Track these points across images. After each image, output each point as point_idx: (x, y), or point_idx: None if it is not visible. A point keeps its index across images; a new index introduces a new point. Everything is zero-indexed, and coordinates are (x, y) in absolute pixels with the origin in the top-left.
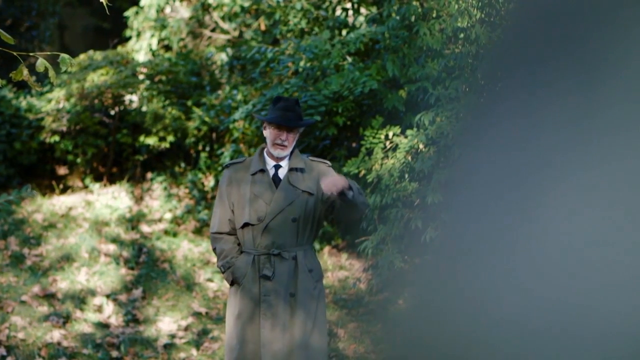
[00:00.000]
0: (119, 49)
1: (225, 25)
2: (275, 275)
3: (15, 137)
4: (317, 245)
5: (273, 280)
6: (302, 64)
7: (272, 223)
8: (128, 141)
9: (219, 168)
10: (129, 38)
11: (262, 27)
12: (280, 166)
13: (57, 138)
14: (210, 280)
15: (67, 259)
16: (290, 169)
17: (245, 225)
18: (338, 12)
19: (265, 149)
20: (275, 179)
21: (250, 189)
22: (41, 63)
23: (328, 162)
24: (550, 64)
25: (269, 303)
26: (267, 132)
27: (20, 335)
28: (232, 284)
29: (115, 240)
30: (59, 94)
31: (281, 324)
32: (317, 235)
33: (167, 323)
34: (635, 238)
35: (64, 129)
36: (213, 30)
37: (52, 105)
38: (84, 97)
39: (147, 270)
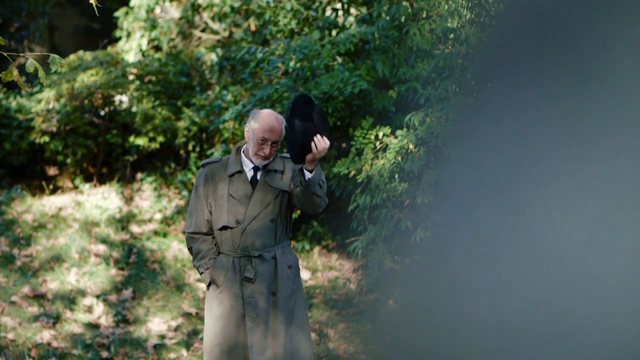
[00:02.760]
0: (109, 49)
1: (215, 26)
2: (257, 276)
3: (5, 138)
4: (307, 246)
5: (255, 281)
6: (292, 64)
7: (250, 225)
8: (118, 141)
9: None
10: (119, 38)
11: (252, 28)
12: (258, 168)
13: (47, 138)
14: (200, 280)
15: (57, 259)
16: (268, 170)
17: (224, 227)
18: (328, 12)
19: (243, 149)
20: (253, 181)
21: (227, 190)
22: (31, 63)
23: None
24: (540, 65)
25: (253, 305)
26: (252, 139)
27: (10, 335)
28: (209, 285)
29: (105, 240)
30: (48, 94)
31: (266, 324)
32: (291, 229)
33: (157, 323)
34: (626, 240)
35: (54, 129)
36: (203, 30)
37: (42, 105)
38: (74, 97)
39: (137, 270)
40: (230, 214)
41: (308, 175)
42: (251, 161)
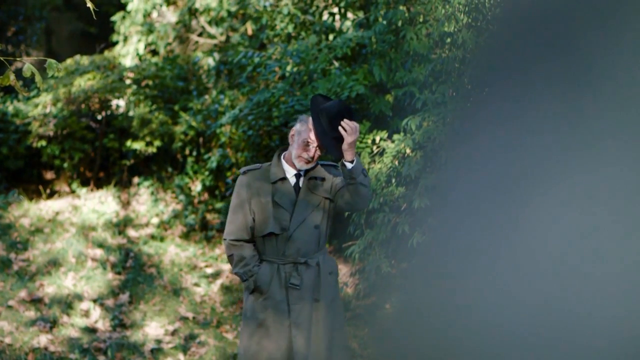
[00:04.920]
0: (106, 53)
1: (212, 30)
2: (302, 282)
3: (2, 142)
4: None
5: (300, 288)
6: (289, 68)
7: (296, 232)
8: (115, 146)
9: (206, 173)
10: (116, 43)
11: (249, 32)
12: (300, 175)
13: (44, 143)
14: (197, 285)
15: (54, 263)
16: (310, 177)
17: (269, 234)
18: (325, 16)
19: (284, 155)
20: (295, 187)
21: (271, 197)
22: (28, 68)
23: (337, 164)
24: (536, 69)
25: (298, 311)
26: (296, 141)
27: (7, 340)
28: (252, 292)
29: (102, 245)
30: (45, 98)
31: (309, 331)
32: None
33: (154, 328)
34: (622, 244)
35: (51, 133)
36: (200, 34)
37: (39, 110)
38: (71, 101)
39: (134, 275)
40: (276, 220)
41: (349, 165)
42: (293, 167)
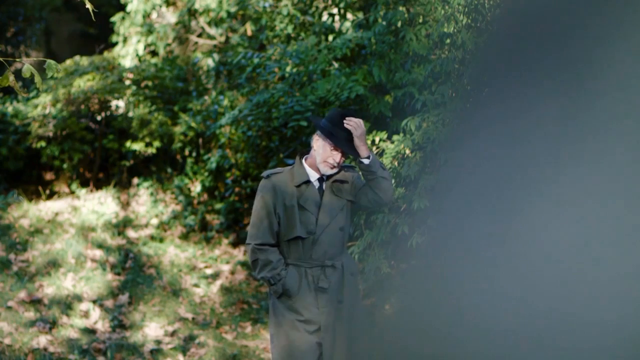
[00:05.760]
0: (105, 54)
1: (212, 31)
2: (329, 285)
3: (2, 143)
4: None
5: (328, 291)
6: (288, 69)
7: (322, 235)
8: (114, 147)
9: (206, 173)
10: (116, 43)
11: (249, 33)
12: (323, 178)
13: (43, 143)
14: (196, 285)
15: (54, 264)
16: (333, 180)
17: (295, 238)
18: (324, 17)
19: (307, 158)
20: (320, 190)
21: (296, 201)
22: (27, 69)
23: (354, 166)
24: (536, 70)
25: (327, 314)
26: (320, 146)
27: (7, 341)
28: (280, 296)
29: (101, 245)
30: (45, 99)
31: (334, 332)
32: None
33: (153, 329)
34: (622, 244)
35: (51, 134)
36: (199, 35)
37: (39, 110)
38: (70, 102)
39: (133, 275)
40: (302, 224)
41: (366, 161)
42: (316, 171)
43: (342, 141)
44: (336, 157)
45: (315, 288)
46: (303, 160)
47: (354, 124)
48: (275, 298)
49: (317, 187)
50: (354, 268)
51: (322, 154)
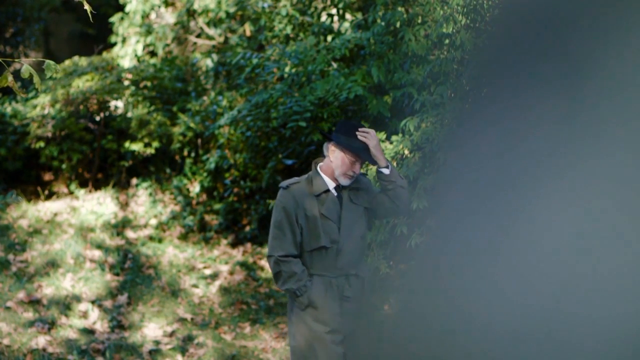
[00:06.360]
0: (104, 54)
1: (211, 31)
2: (353, 294)
3: (1, 143)
4: None
5: (351, 299)
6: (287, 69)
7: (346, 244)
8: (113, 147)
9: (204, 174)
10: (114, 44)
11: (248, 33)
12: (339, 186)
13: (42, 144)
14: (195, 286)
15: (53, 264)
16: (351, 188)
17: (319, 248)
18: (323, 17)
19: (321, 166)
20: (339, 199)
21: (318, 210)
22: (26, 69)
23: (365, 172)
24: (534, 70)
25: (350, 322)
26: (339, 158)
27: (5, 341)
28: (306, 306)
29: (100, 246)
30: (44, 100)
31: (359, 341)
32: None
33: (152, 329)
34: (620, 243)
35: (49, 134)
36: (198, 36)
37: (38, 111)
38: (69, 103)
39: (132, 276)
40: (325, 234)
41: (386, 171)
42: (332, 179)
43: (363, 152)
44: (356, 168)
45: (340, 297)
46: (318, 169)
47: (368, 135)
48: (300, 310)
49: (335, 195)
50: (366, 273)
51: (342, 167)
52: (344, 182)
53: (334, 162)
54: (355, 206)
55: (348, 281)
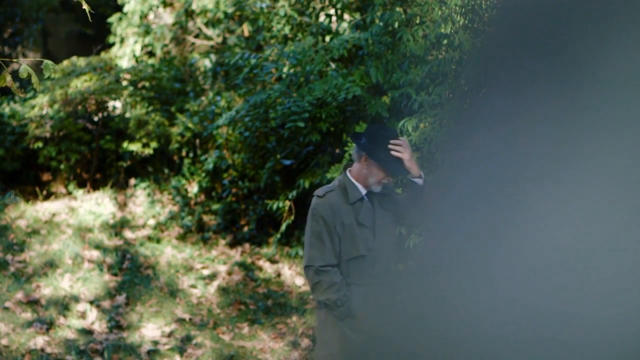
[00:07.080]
0: (103, 55)
1: (209, 32)
2: (388, 301)
3: None
4: (300, 252)
5: (388, 307)
6: (285, 70)
7: (382, 252)
8: (111, 147)
9: (203, 174)
10: (113, 44)
11: (246, 33)
12: (370, 193)
13: (40, 144)
14: (193, 286)
15: (51, 265)
16: (379, 194)
17: (357, 256)
18: (321, 18)
19: (352, 171)
20: (372, 205)
21: (354, 218)
22: (24, 69)
23: None
24: (533, 70)
25: (385, 330)
26: (373, 169)
27: (4, 341)
28: (345, 316)
29: (98, 246)
30: (42, 100)
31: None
32: None
33: (150, 329)
34: (620, 244)
35: (48, 135)
36: (197, 36)
37: (36, 111)
38: (68, 103)
39: (130, 276)
40: (363, 242)
41: (420, 181)
42: (362, 185)
43: (398, 170)
44: (390, 178)
45: (378, 305)
46: (349, 175)
47: (401, 148)
48: (339, 320)
49: (368, 202)
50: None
51: (377, 175)
52: (377, 189)
53: (367, 170)
54: (387, 213)
55: (385, 289)
